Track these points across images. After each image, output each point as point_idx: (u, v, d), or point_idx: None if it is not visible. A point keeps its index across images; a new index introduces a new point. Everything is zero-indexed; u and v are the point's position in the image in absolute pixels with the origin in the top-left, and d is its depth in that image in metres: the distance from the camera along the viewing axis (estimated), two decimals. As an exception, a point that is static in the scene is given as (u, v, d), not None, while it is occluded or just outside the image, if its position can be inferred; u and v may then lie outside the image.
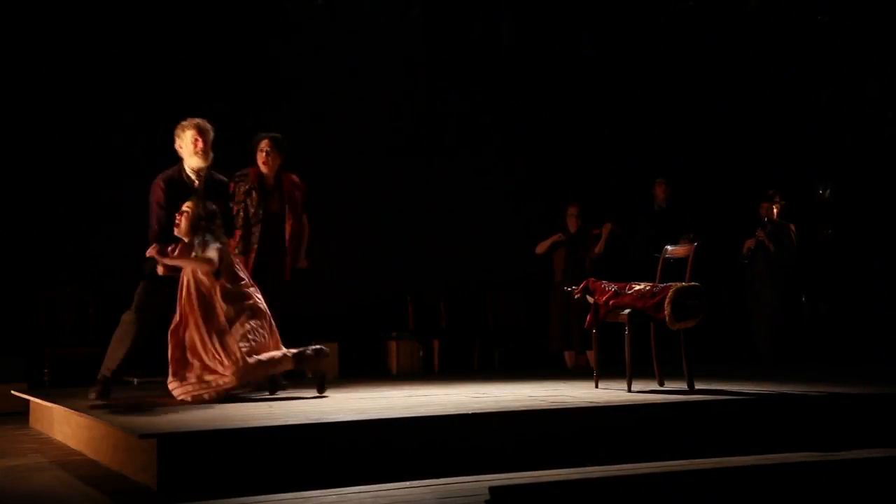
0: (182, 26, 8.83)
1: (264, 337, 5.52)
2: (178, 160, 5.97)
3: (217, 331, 5.39)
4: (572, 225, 8.87)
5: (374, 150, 9.42)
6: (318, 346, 5.78)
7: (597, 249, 8.78)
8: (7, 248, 8.29)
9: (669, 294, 5.50)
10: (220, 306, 5.42)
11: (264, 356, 5.47)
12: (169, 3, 8.76)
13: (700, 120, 10.60)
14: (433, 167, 9.74)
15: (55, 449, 5.22)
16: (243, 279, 5.64)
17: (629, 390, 5.51)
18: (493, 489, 3.57)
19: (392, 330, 9.38)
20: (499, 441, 4.37)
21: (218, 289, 5.45)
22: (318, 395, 5.66)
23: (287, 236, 6.46)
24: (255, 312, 5.53)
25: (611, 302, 5.77)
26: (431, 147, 9.78)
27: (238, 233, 6.54)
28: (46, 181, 8.45)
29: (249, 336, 5.44)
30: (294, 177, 6.58)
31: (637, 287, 5.74)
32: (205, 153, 5.85)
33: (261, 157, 6.47)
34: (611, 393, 5.47)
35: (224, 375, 5.32)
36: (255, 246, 6.43)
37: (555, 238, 8.87)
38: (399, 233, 9.40)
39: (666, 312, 5.47)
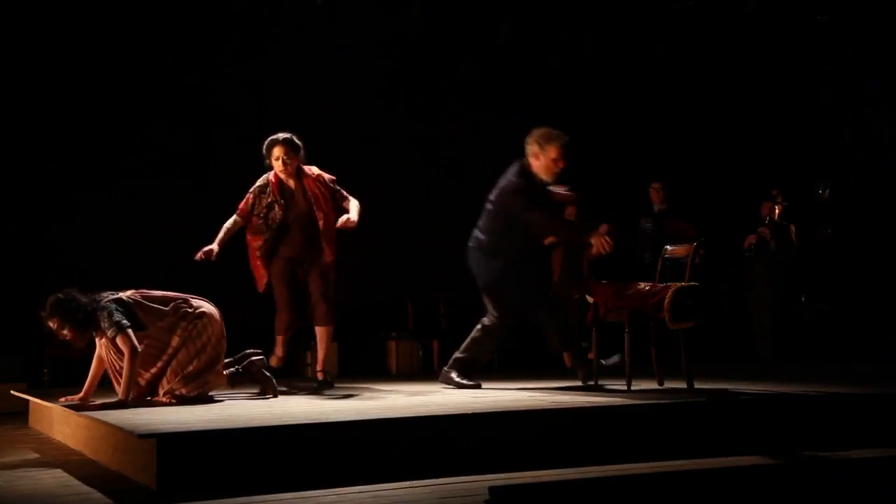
0: (182, 29, 8.84)
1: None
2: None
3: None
4: None
5: (373, 149, 9.42)
6: (251, 357, 5.77)
7: (594, 250, 8.77)
8: (6, 248, 8.29)
9: (669, 294, 5.50)
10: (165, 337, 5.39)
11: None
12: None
13: (699, 120, 10.60)
14: (432, 167, 9.74)
15: (55, 449, 5.22)
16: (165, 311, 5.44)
17: (629, 390, 5.51)
18: (492, 489, 3.57)
19: (392, 330, 9.37)
20: (498, 441, 4.37)
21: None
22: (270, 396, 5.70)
23: (323, 233, 6.21)
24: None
25: (610, 302, 5.77)
26: (431, 146, 9.78)
27: (263, 241, 6.22)
28: (44, 181, 8.45)
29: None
30: (313, 171, 6.26)
31: (637, 287, 5.74)
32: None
33: (277, 167, 6.15)
34: (611, 393, 5.47)
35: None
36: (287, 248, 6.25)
37: (552, 238, 8.86)
38: (399, 233, 9.40)
39: (666, 312, 5.47)
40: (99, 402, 5.14)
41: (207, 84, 9.01)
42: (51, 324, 5.18)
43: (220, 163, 8.61)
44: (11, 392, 6.70)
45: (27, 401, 6.45)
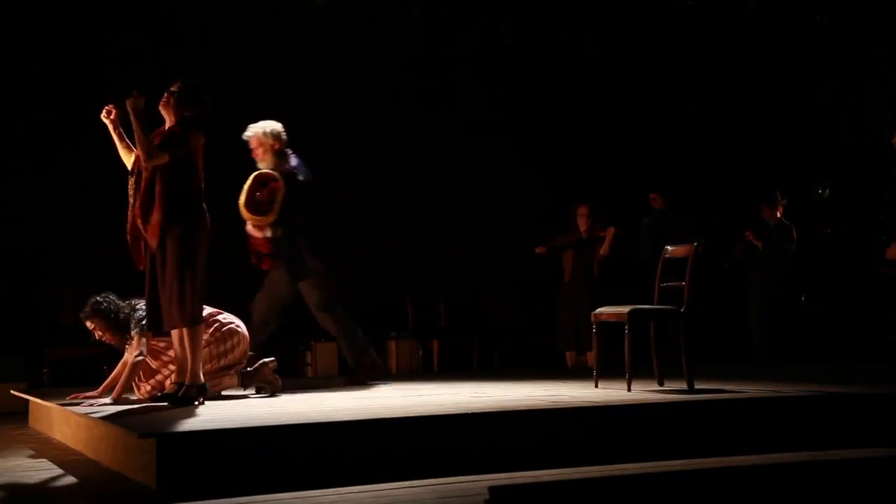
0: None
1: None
2: None
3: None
4: (582, 224, 8.89)
5: (374, 149, 9.43)
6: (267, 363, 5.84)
7: (602, 251, 8.80)
8: (6, 248, 8.29)
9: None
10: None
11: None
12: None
13: (700, 119, 10.60)
14: (433, 166, 9.74)
15: (55, 449, 5.22)
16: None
17: (629, 390, 5.51)
18: (492, 489, 3.57)
19: (392, 330, 9.38)
20: (498, 441, 4.37)
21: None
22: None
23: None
24: None
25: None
26: (432, 146, 9.79)
27: None
28: (44, 181, 8.45)
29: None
30: None
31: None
32: None
33: None
34: (611, 393, 5.47)
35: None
36: None
37: (570, 239, 8.88)
38: (398, 232, 9.40)
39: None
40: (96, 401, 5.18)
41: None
42: (89, 324, 5.45)
43: (219, 162, 8.60)
44: (11, 392, 6.70)
45: (27, 401, 6.44)
